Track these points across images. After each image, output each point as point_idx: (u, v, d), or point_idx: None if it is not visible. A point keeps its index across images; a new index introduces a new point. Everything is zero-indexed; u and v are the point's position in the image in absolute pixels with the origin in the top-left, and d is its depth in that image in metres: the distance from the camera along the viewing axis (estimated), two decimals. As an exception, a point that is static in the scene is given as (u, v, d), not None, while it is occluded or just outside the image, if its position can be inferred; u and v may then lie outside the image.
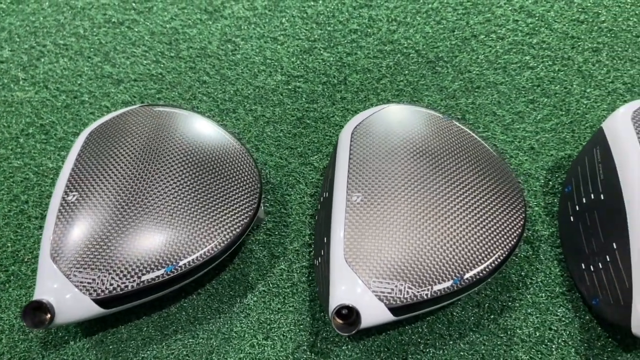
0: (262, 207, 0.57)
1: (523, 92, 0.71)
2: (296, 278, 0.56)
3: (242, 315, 0.53)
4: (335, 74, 0.74)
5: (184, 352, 0.52)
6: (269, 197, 0.62)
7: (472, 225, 0.49)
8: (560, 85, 0.72)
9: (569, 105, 0.70)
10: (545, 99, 0.70)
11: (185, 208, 0.50)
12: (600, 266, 0.49)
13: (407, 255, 0.46)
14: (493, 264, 0.48)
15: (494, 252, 0.49)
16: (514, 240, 0.50)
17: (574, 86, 0.71)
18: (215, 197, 0.51)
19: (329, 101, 0.71)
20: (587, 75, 0.72)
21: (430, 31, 0.78)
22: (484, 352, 0.51)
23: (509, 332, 0.52)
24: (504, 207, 0.51)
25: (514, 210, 0.51)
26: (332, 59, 0.75)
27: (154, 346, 0.52)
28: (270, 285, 0.55)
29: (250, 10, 0.81)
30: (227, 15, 0.80)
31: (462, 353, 0.51)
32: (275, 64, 0.75)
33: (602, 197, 0.51)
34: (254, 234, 0.59)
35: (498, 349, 0.51)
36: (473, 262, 0.47)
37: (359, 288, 0.45)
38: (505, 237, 0.50)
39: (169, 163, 0.52)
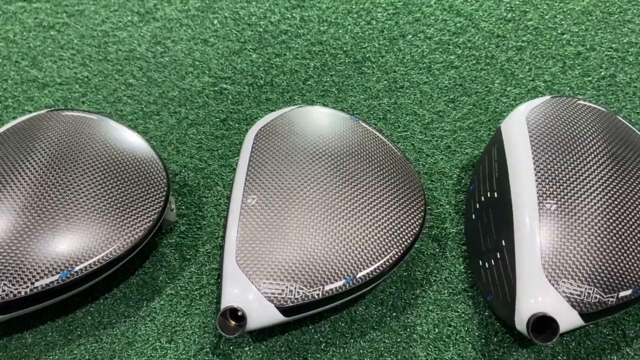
0: (174, 210, 0.58)
1: (445, 92, 0.72)
2: (205, 280, 0.57)
3: (147, 319, 0.54)
4: (262, 75, 0.74)
5: (87, 357, 0.52)
6: (185, 199, 0.63)
7: (367, 225, 0.50)
8: (481, 84, 0.73)
9: (488, 104, 0.71)
10: (466, 98, 0.71)
11: (84, 213, 0.50)
12: (493, 263, 0.50)
13: (298, 256, 0.47)
14: (387, 263, 0.49)
15: (388, 251, 0.49)
16: (410, 239, 0.51)
17: (495, 85, 0.72)
18: (116, 201, 0.51)
19: (254, 102, 0.72)
20: (509, 74, 0.73)
21: (359, 31, 0.78)
22: (382, 349, 0.52)
23: (409, 330, 0.53)
24: (402, 207, 0.52)
25: (413, 210, 0.52)
26: (260, 60, 0.76)
27: (57, 351, 0.52)
28: (179, 289, 0.56)
29: (182, 12, 0.81)
30: (159, 17, 0.80)
31: (362, 351, 0.52)
32: (204, 65, 0.75)
33: (496, 196, 0.52)
34: (167, 237, 0.59)
35: (397, 346, 0.52)
36: (366, 261, 0.48)
37: (248, 289, 0.46)
38: (401, 236, 0.50)
39: (72, 168, 0.52)
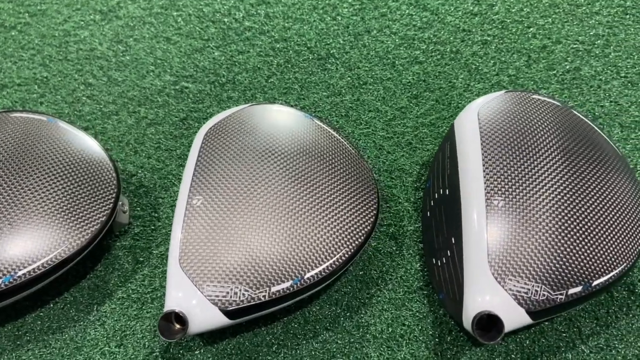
0: (126, 212, 0.57)
1: (408, 88, 0.71)
2: (157, 283, 0.56)
3: (97, 324, 0.53)
4: (225, 73, 0.74)
5: (34, 362, 0.51)
6: (140, 201, 0.62)
7: (317, 225, 0.49)
8: (445, 79, 0.72)
9: (450, 100, 0.70)
10: (429, 94, 0.71)
11: (28, 216, 0.49)
12: (444, 261, 0.49)
13: (244, 258, 0.46)
14: (336, 263, 0.48)
15: (338, 250, 0.49)
16: (361, 238, 0.50)
17: (459, 80, 0.72)
18: (62, 204, 0.50)
19: (215, 101, 0.71)
20: (473, 69, 0.73)
21: (324, 27, 0.77)
22: (335, 350, 0.51)
23: (362, 330, 0.52)
24: (354, 205, 0.51)
25: (365, 209, 0.52)
26: (223, 57, 0.75)
27: (5, 357, 0.51)
28: (130, 292, 0.55)
29: (145, 10, 0.80)
30: (122, 15, 0.79)
31: (314, 352, 0.52)
32: (165, 64, 0.74)
33: (447, 193, 0.51)
34: (120, 240, 0.59)
35: (350, 347, 0.52)
36: (315, 261, 0.48)
37: (191, 292, 0.45)
38: (351, 235, 0.50)
39: (16, 171, 0.52)
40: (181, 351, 0.52)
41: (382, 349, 0.52)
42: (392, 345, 0.52)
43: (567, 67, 0.72)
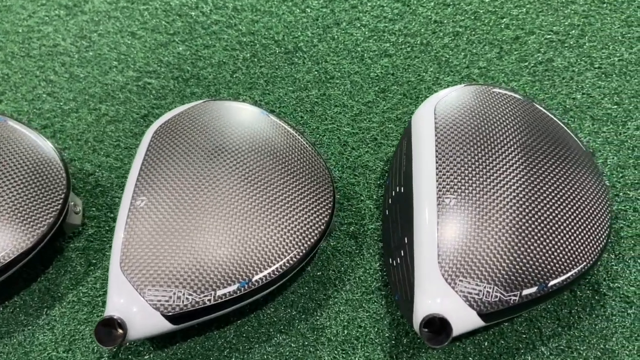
0: (79, 213, 0.56)
1: (376, 81, 0.70)
2: (110, 285, 0.55)
3: (46, 328, 0.52)
4: (189, 68, 0.72)
5: (-20, 368, 0.50)
6: (96, 200, 0.60)
7: (266, 225, 0.47)
8: (414, 72, 0.70)
9: (419, 94, 0.68)
10: (397, 88, 0.69)
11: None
12: (399, 261, 0.48)
13: (188, 261, 0.45)
14: (287, 265, 0.47)
15: (288, 252, 0.47)
16: (314, 238, 0.48)
17: (428, 73, 0.70)
18: (7, 205, 0.49)
19: (177, 97, 0.69)
20: (443, 62, 0.71)
21: (293, 20, 0.76)
22: (288, 353, 0.50)
23: (317, 332, 0.51)
24: (307, 205, 0.50)
25: (319, 208, 0.50)
26: (188, 52, 0.73)
27: (-50, 362, 0.50)
28: (82, 295, 0.54)
29: (111, 4, 0.78)
30: (87, 10, 0.77)
31: (266, 356, 0.50)
32: (129, 59, 0.72)
33: (403, 190, 0.49)
34: (73, 241, 0.57)
35: (303, 350, 0.50)
36: (263, 263, 0.46)
37: (132, 297, 0.43)
38: (303, 236, 0.48)
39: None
40: (130, 356, 0.50)
41: (336, 352, 0.50)
42: (346, 349, 0.50)
43: (540, 58, 0.70)
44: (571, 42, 0.71)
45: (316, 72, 0.71)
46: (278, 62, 0.72)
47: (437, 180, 0.45)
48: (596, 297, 0.52)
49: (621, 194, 0.58)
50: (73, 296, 0.54)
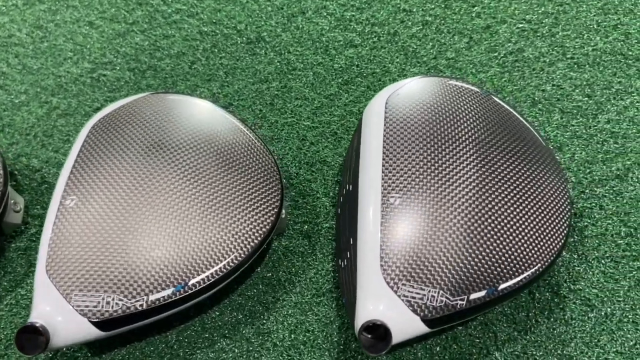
0: (20, 211, 0.53)
1: (339, 73, 0.67)
2: (50, 286, 0.52)
3: (-19, 331, 0.50)
4: (146, 59, 0.69)
5: None
6: (41, 198, 0.58)
7: (206, 226, 0.45)
8: (379, 64, 0.67)
9: (383, 85, 0.65)
10: (361, 80, 0.66)
11: None
12: (346, 263, 0.46)
13: (118, 264, 0.43)
14: (227, 267, 0.44)
15: (228, 254, 0.45)
16: (256, 240, 0.46)
17: (394, 64, 0.67)
18: None
19: (132, 90, 0.66)
20: (410, 52, 0.68)
21: (257, 9, 0.73)
22: (231, 359, 0.48)
23: (262, 337, 0.49)
24: (252, 204, 0.47)
25: (264, 207, 0.47)
26: (146, 42, 0.70)
27: None
28: (20, 297, 0.52)
29: (71, -7, 0.75)
30: (45, -1, 0.75)
31: (208, 361, 0.48)
32: (84, 50, 0.70)
33: (351, 189, 0.47)
34: (15, 241, 0.55)
35: (247, 356, 0.48)
36: (201, 266, 0.44)
37: (57, 302, 0.41)
38: (245, 237, 0.46)
39: None
40: (66, 361, 0.49)
41: (281, 357, 0.48)
42: (292, 354, 0.48)
43: (510, 48, 0.67)
44: (544, 31, 0.68)
45: (278, 64, 0.68)
46: (239, 52, 0.70)
47: (382, 179, 0.43)
48: (555, 300, 0.50)
49: (587, 190, 0.56)
50: (11, 299, 0.51)
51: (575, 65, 0.65)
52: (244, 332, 0.49)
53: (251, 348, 0.48)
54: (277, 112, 0.64)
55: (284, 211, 0.53)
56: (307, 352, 0.48)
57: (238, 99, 0.66)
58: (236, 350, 0.48)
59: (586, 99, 0.62)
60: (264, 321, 0.50)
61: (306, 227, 0.55)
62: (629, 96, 0.62)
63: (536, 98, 0.63)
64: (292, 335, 0.49)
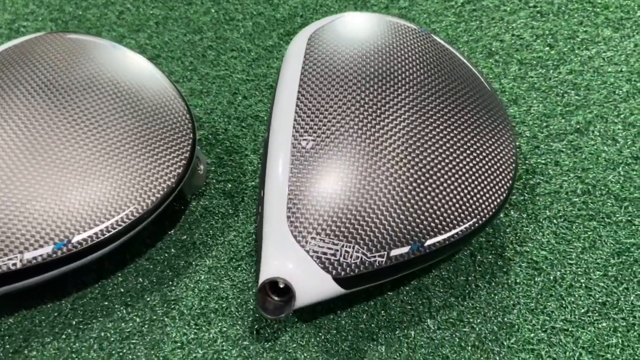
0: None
1: (281, 23, 0.61)
2: None
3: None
4: (71, 9, 0.63)
5: None
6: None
7: (95, 177, 0.39)
8: (326, 13, 0.60)
9: (326, 35, 0.60)
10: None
11: None
12: (258, 219, 0.40)
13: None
14: (119, 224, 0.39)
15: (122, 209, 0.39)
16: (158, 194, 0.40)
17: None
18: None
19: (54, 41, 0.61)
20: (360, 1, 0.62)
21: (197, -44, 0.67)
22: (130, 330, 0.41)
23: (168, 305, 0.43)
24: (153, 155, 0.41)
25: (168, 160, 0.41)
26: (74, -8, 0.64)
27: None
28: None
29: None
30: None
31: (103, 333, 0.41)
32: (6, 1, 0.64)
33: (267, 135, 0.41)
34: None
35: (149, 327, 0.42)
36: (88, 222, 0.38)
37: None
38: (145, 190, 0.40)
39: None
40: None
41: (187, 327, 0.42)
42: (200, 323, 0.42)
43: (469, -4, 0.62)
44: (508, -22, 0.63)
45: (215, 13, 0.62)
46: (173, 2, 0.64)
47: (295, 120, 0.37)
48: (499, 263, 0.44)
49: (542, 145, 0.51)
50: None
51: (538, 14, 0.59)
52: (148, 299, 0.44)
53: (154, 317, 0.43)
54: (209, 64, 0.58)
55: (202, 166, 0.48)
56: (218, 321, 0.42)
57: (167, 50, 0.60)
58: (137, 319, 0.43)
59: (547, 48, 0.57)
60: (172, 288, 0.44)
61: (230, 185, 0.49)
62: (595, 46, 0.57)
63: (493, 49, 0.57)
64: (203, 303, 0.43)
